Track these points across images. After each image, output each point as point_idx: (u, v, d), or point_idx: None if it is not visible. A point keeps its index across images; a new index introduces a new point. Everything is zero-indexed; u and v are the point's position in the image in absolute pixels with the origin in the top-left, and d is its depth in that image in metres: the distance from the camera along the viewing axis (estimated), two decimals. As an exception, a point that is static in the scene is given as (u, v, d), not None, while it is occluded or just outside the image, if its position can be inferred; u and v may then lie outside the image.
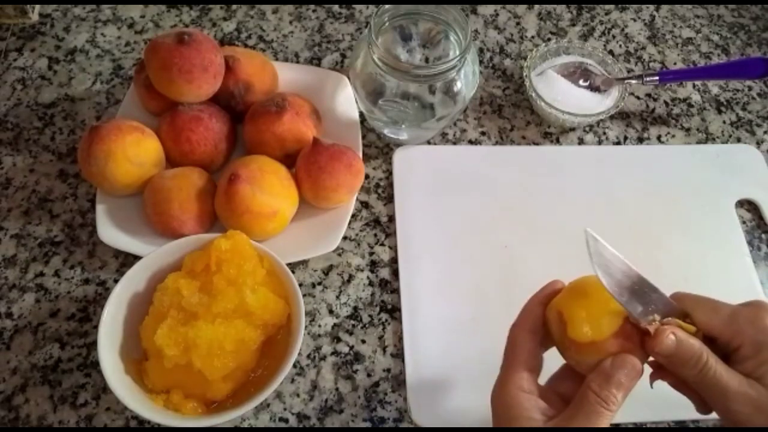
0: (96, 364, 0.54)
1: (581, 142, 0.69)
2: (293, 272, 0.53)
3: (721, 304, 0.40)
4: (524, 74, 0.68)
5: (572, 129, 0.69)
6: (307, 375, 0.55)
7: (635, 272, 0.39)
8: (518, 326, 0.42)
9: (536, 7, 0.79)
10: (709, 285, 0.60)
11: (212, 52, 0.57)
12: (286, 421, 0.53)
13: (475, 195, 0.64)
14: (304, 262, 0.60)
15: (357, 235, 0.62)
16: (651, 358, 0.39)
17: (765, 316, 0.39)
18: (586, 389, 0.38)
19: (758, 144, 0.70)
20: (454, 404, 0.54)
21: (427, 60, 0.63)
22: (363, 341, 0.57)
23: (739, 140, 0.70)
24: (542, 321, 0.42)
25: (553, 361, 0.43)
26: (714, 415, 0.54)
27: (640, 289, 0.39)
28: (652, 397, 0.54)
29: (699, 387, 0.39)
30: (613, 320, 0.38)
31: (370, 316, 0.58)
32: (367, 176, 0.64)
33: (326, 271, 0.60)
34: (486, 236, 0.62)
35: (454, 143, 0.68)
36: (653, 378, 0.42)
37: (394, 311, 0.58)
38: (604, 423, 0.36)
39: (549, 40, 0.75)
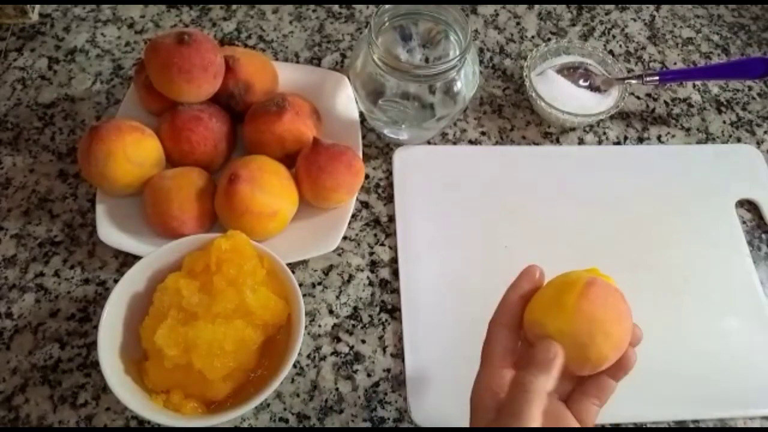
0: (96, 364, 0.54)
1: (581, 142, 0.69)
2: (293, 272, 0.52)
3: None
4: (524, 74, 0.68)
5: (572, 129, 0.69)
6: (307, 375, 0.55)
7: None
8: (495, 321, 0.42)
9: (536, 7, 0.79)
10: (709, 285, 0.61)
11: (212, 52, 0.57)
12: (286, 421, 0.53)
13: (475, 195, 0.64)
14: (304, 262, 0.60)
15: (357, 235, 0.62)
16: None
17: None
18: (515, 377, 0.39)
19: (758, 144, 0.70)
20: (454, 404, 0.53)
21: (427, 60, 0.63)
22: (363, 341, 0.57)
23: (739, 140, 0.70)
24: (521, 314, 0.42)
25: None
26: (714, 415, 0.55)
27: None
28: (652, 397, 0.54)
29: None
30: None
31: (370, 316, 0.58)
32: (367, 176, 0.64)
33: (326, 271, 0.60)
34: (486, 236, 0.61)
35: (454, 143, 0.68)
36: None
37: (394, 311, 0.58)
38: (533, 411, 0.36)
39: (549, 40, 0.75)
